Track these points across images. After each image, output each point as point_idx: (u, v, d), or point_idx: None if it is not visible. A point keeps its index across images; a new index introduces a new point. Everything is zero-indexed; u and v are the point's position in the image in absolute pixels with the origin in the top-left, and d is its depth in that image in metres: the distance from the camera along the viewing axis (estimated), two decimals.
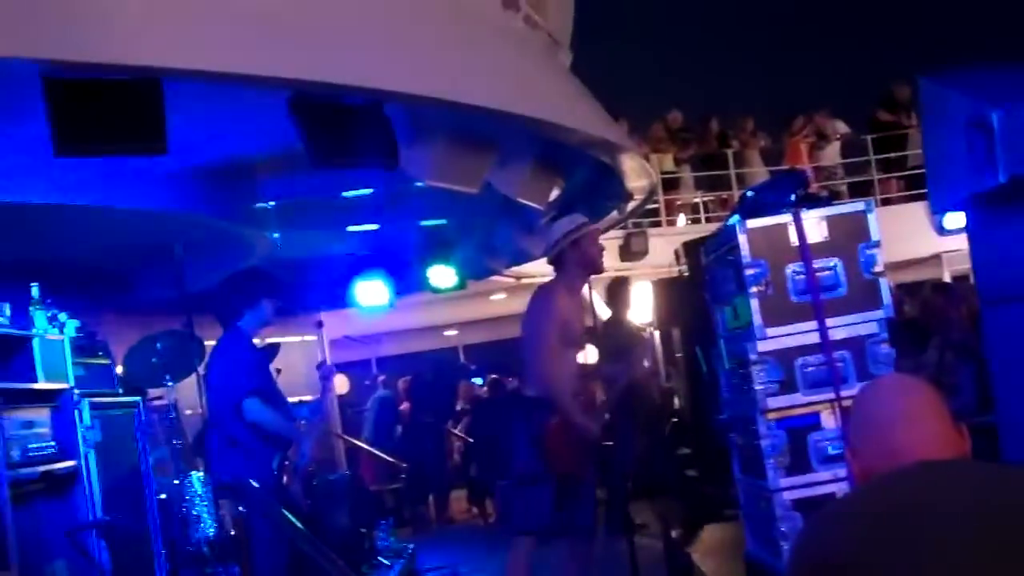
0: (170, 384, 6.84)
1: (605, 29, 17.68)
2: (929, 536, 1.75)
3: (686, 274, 9.11)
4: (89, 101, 3.91)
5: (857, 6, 27.09)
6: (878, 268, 5.30)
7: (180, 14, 4.31)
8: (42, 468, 4.68)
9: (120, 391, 5.89)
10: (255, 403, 5.03)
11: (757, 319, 5.29)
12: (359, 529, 8.00)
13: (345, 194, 7.33)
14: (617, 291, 9.42)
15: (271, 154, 6.29)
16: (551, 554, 5.57)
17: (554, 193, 7.23)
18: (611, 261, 11.66)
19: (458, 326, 18.67)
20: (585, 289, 6.01)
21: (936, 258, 14.39)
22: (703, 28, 26.98)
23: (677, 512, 8.32)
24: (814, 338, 5.27)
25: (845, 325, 5.29)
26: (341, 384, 13.15)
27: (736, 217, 5.58)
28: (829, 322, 5.27)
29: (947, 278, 13.61)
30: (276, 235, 7.72)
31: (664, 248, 12.28)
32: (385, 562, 8.16)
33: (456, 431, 13.40)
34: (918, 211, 13.37)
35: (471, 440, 12.69)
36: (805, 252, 5.29)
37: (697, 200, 15.49)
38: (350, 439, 12.38)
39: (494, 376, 13.53)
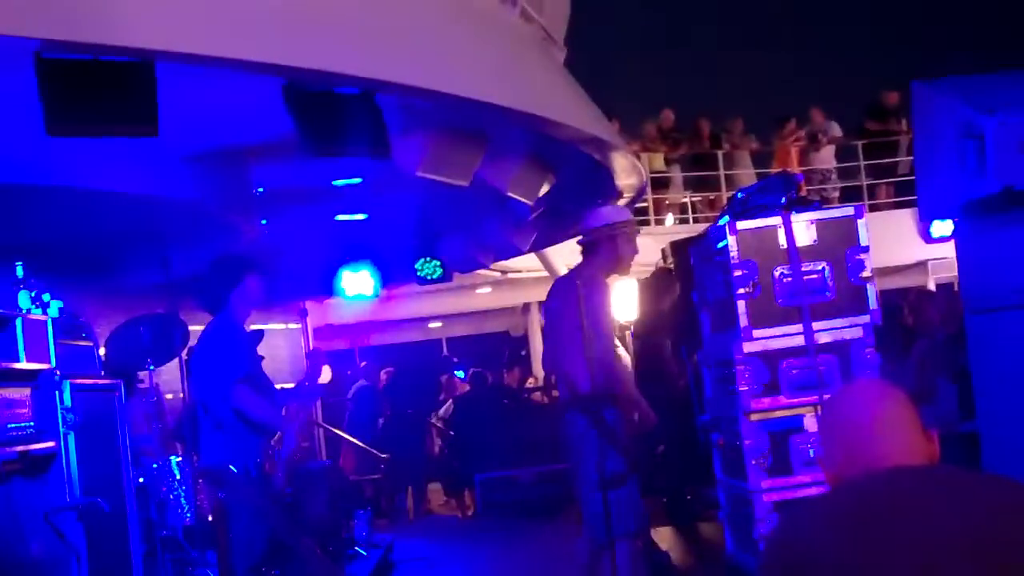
0: (152, 368, 6.81)
1: (599, 28, 17.66)
2: (902, 539, 1.76)
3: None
4: (82, 81, 3.90)
5: (852, 9, 27.20)
6: (866, 273, 5.32)
7: None
8: (20, 448, 4.64)
9: (102, 374, 5.86)
10: (244, 390, 5.00)
11: (743, 320, 5.30)
12: (338, 518, 7.99)
13: (335, 183, 7.30)
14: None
15: (262, 141, 6.26)
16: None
17: (544, 188, 7.21)
18: None
19: (442, 318, 18.65)
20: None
21: (922, 265, 14.44)
22: (697, 28, 27.04)
23: (657, 511, 8.32)
24: (800, 341, 5.29)
25: (831, 329, 5.30)
26: (323, 374, 13.08)
27: (726, 218, 5.58)
28: (815, 326, 5.28)
29: (931, 286, 13.67)
30: (264, 221, 7.68)
31: (652, 247, 12.27)
32: (362, 552, 8.16)
33: (436, 422, 13.40)
34: (905, 217, 13.41)
35: (451, 433, 12.69)
36: (793, 255, 5.30)
37: (685, 200, 15.51)
38: (331, 428, 12.34)
39: (476, 369, 13.52)
